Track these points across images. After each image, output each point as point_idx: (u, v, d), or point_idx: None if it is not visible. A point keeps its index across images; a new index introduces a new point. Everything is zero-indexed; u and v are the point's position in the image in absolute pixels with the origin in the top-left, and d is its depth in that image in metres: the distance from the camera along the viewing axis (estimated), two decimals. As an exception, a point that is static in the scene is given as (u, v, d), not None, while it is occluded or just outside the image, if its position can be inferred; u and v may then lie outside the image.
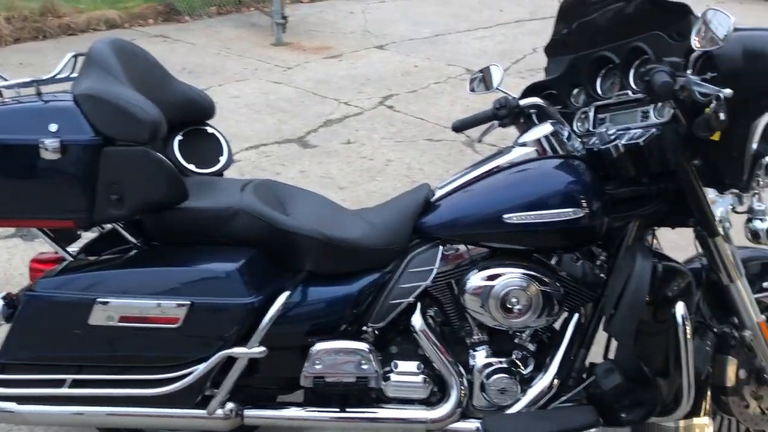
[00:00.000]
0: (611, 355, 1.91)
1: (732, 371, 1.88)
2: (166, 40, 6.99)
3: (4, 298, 1.79)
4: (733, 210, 1.89)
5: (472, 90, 2.16)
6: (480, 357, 1.90)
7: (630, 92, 1.85)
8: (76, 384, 1.71)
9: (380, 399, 1.91)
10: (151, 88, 1.84)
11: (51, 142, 1.59)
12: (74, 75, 1.83)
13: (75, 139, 1.60)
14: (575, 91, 2.05)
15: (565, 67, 2.05)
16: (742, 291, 1.87)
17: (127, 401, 1.74)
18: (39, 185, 1.63)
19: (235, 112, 5.05)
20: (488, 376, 1.86)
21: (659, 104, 1.76)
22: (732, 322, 1.93)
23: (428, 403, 1.90)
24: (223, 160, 2.09)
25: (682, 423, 1.84)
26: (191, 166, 1.97)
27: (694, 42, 1.53)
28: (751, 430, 2.08)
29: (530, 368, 1.91)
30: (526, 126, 2.08)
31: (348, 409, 1.87)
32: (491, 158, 1.94)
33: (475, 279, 1.83)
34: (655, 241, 2.00)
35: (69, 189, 1.63)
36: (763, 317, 1.91)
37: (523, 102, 2.02)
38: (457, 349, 1.91)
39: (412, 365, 1.89)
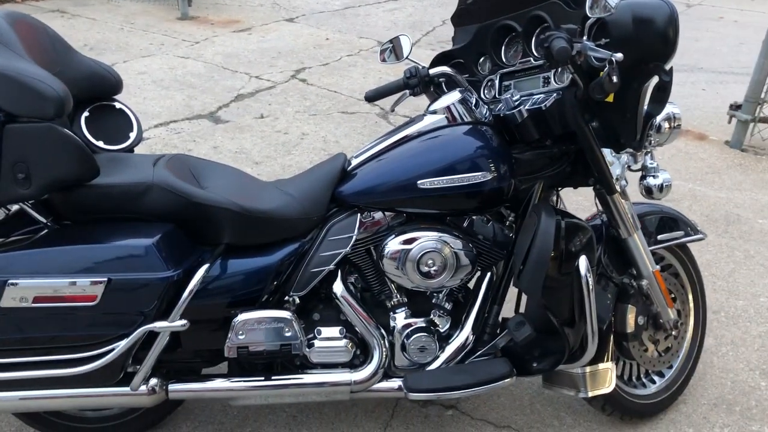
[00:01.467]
0: (522, 310, 2.01)
1: (632, 318, 2.02)
2: (64, 15, 6.67)
3: None
4: (629, 168, 2.02)
5: (384, 60, 2.19)
6: (400, 318, 1.96)
7: (532, 59, 1.94)
8: None
9: (305, 365, 1.95)
10: (54, 63, 1.79)
11: (-52, 120, 1.52)
12: None
13: (-26, 116, 1.54)
14: (481, 59, 2.13)
15: (471, 36, 2.12)
16: (639, 244, 2.02)
17: (46, 383, 1.70)
18: None
19: (142, 89, 4.90)
20: (408, 336, 1.93)
21: (559, 70, 1.86)
22: (630, 273, 2.07)
23: (352, 366, 1.95)
24: (133, 136, 2.05)
25: (588, 369, 1.97)
26: (100, 143, 1.93)
27: (589, 10, 1.62)
28: (649, 371, 2.25)
29: (447, 326, 1.99)
30: (436, 95, 2.14)
31: (273, 378, 1.90)
32: (403, 127, 1.99)
33: (393, 244, 1.88)
34: (559, 200, 2.12)
35: (-29, 168, 1.57)
36: (657, 267, 2.07)
37: (432, 71, 2.08)
38: (378, 312, 1.97)
39: (334, 330, 1.94)
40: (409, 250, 1.87)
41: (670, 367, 2.26)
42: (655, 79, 1.72)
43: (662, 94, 1.72)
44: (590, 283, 1.82)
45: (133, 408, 2.04)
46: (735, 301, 2.85)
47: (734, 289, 2.94)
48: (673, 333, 2.17)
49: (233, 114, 4.63)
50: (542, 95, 1.88)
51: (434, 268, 1.88)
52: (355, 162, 1.98)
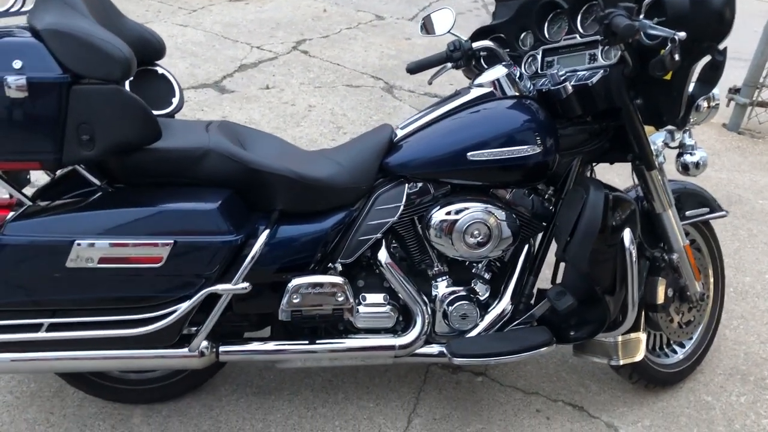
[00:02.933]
0: (558, 281, 2.07)
1: (662, 291, 2.10)
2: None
3: None
4: (666, 145, 2.08)
5: (426, 32, 2.21)
6: (442, 287, 2.02)
7: (578, 36, 1.98)
8: (53, 328, 1.68)
9: (348, 330, 2.00)
10: (108, 25, 1.78)
11: (15, 80, 1.51)
12: (26, 8, 1.73)
13: (41, 77, 1.53)
14: (523, 35, 2.16)
15: (513, 11, 2.15)
16: (672, 219, 2.09)
17: (102, 344, 1.73)
18: (4, 125, 1.55)
19: (143, 56, 4.84)
20: (450, 303, 1.99)
21: (606, 47, 1.91)
22: (662, 247, 2.15)
23: (394, 331, 2.01)
24: (175, 102, 2.05)
25: (620, 338, 2.05)
26: None
27: None
28: (672, 341, 2.35)
29: (487, 295, 2.05)
30: (475, 69, 2.18)
31: (320, 341, 1.95)
32: (450, 99, 2.02)
33: (440, 214, 1.93)
34: (593, 175, 2.18)
35: (35, 129, 1.56)
36: (687, 241, 2.15)
37: (475, 45, 2.11)
38: (419, 280, 2.02)
39: (378, 297, 1.98)
40: (456, 220, 1.91)
41: (691, 338, 2.35)
42: (704, 60, 1.77)
43: (714, 73, 1.78)
44: (633, 255, 1.89)
45: (176, 371, 2.07)
46: (742, 278, 2.96)
47: (741, 266, 3.05)
48: (697, 306, 2.26)
49: (238, 84, 4.60)
50: (588, 72, 1.92)
51: (480, 238, 1.93)
52: (401, 133, 2.01)
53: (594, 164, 2.15)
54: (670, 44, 1.62)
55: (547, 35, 2.09)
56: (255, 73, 4.80)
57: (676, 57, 1.62)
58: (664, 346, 2.34)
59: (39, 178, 2.04)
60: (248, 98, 4.38)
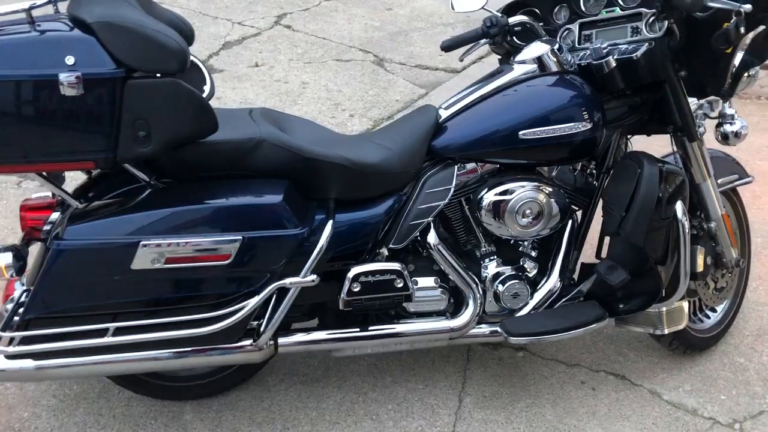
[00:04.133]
0: (603, 255, 2.09)
1: (701, 259, 2.13)
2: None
3: (10, 249, 1.64)
4: (706, 116, 2.10)
5: (456, 8, 2.17)
6: (491, 267, 2.01)
7: (618, 9, 1.97)
8: (119, 332, 1.63)
9: (400, 315, 1.99)
10: (147, 13, 1.70)
11: (70, 76, 1.43)
12: None
13: (96, 72, 1.45)
14: (557, 8, 2.14)
15: (548, -15, 2.12)
16: (711, 189, 2.12)
17: (170, 344, 1.68)
18: (57, 124, 1.47)
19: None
20: (502, 283, 1.99)
21: (651, 20, 1.90)
22: (699, 216, 2.18)
23: (444, 314, 2.00)
24: (207, 89, 1.98)
25: (664, 307, 2.08)
26: None
27: None
28: (704, 307, 2.40)
29: (534, 273, 2.05)
30: (509, 45, 2.16)
31: (376, 328, 1.93)
32: (493, 77, 2.00)
33: (491, 195, 1.92)
34: (629, 147, 2.19)
35: (90, 127, 1.49)
36: (724, 210, 2.18)
37: (512, 20, 2.08)
38: (467, 261, 2.02)
39: (429, 280, 1.97)
40: (509, 200, 1.91)
41: (723, 303, 2.41)
42: (759, 29, 1.77)
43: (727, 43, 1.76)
44: (686, 226, 1.91)
45: (226, 366, 2.03)
46: (754, 238, 3.01)
47: (751, 227, 3.12)
48: (731, 271, 2.31)
49: (225, 62, 4.48)
50: (632, 45, 1.92)
51: (532, 216, 1.92)
52: (445, 114, 1.98)
53: (631, 136, 2.16)
54: (735, 17, 1.62)
55: (583, 8, 2.07)
56: (241, 50, 4.69)
57: (742, 30, 1.63)
58: (698, 312, 2.39)
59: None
60: (239, 77, 4.28)
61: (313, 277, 1.72)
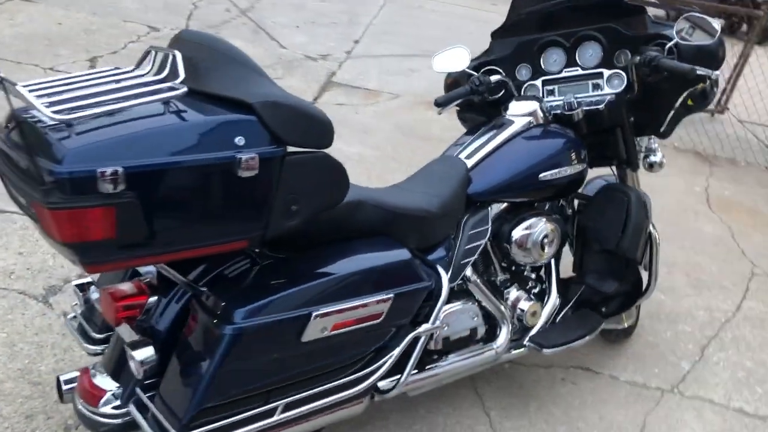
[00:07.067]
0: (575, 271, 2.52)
1: None
2: None
3: (145, 343, 1.52)
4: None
5: (435, 68, 2.44)
6: (513, 292, 2.32)
7: (580, 69, 2.42)
8: (288, 407, 1.59)
9: (444, 351, 2.17)
10: None
11: (248, 157, 1.42)
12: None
13: (266, 152, 1.44)
14: (518, 67, 2.53)
15: (512, 48, 2.50)
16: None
17: (328, 408, 1.68)
18: (220, 206, 1.42)
19: None
20: (523, 304, 2.30)
21: (608, 76, 2.38)
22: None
23: (479, 341, 2.24)
24: None
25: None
26: None
27: (679, 36, 2.17)
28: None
29: (537, 293, 2.41)
30: (488, 98, 2.47)
31: (442, 364, 2.10)
32: (498, 128, 2.29)
33: (519, 230, 2.22)
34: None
35: (251, 206, 1.47)
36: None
37: (493, 78, 2.42)
38: (493, 290, 2.29)
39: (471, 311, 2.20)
40: (533, 232, 2.23)
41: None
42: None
43: (705, 98, 2.34)
44: (658, 237, 2.43)
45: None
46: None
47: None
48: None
49: (61, 114, 4.07)
50: (596, 97, 2.38)
51: (549, 244, 2.27)
52: (470, 163, 2.23)
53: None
54: (709, 80, 2.15)
55: (544, 67, 2.49)
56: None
57: (716, 90, 2.16)
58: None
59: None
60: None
61: (438, 323, 1.86)
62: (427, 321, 1.87)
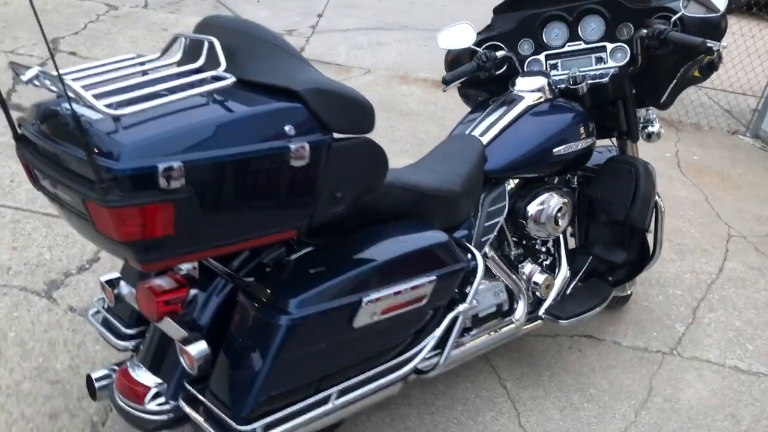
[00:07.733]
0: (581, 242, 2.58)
1: None
2: None
3: (197, 338, 1.50)
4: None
5: (440, 45, 2.43)
6: (527, 266, 2.36)
7: (583, 43, 2.45)
8: (341, 393, 1.59)
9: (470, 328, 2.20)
10: None
11: (299, 146, 1.39)
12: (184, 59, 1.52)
13: (315, 140, 1.42)
14: (520, 42, 2.54)
15: (514, 23, 2.50)
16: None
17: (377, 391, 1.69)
18: (273, 196, 1.40)
19: None
20: (538, 278, 2.34)
21: (611, 49, 2.41)
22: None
23: (497, 315, 2.28)
24: None
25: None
26: None
27: (686, 7, 2.21)
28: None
29: (548, 265, 2.45)
30: (495, 74, 2.47)
31: (465, 338, 2.12)
32: (508, 104, 2.31)
33: (534, 205, 2.26)
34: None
35: (300, 195, 1.45)
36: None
37: (499, 54, 2.42)
38: (508, 265, 2.33)
39: (497, 288, 2.24)
40: (548, 207, 2.27)
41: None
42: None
43: (709, 70, 2.39)
44: (662, 205, 2.49)
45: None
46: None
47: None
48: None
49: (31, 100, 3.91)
50: (600, 71, 2.42)
51: (562, 219, 2.31)
52: (484, 140, 2.24)
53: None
54: (716, 51, 2.20)
55: (546, 42, 2.50)
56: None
57: (722, 60, 2.22)
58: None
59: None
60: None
61: (475, 302, 1.88)
62: (462, 300, 1.89)
